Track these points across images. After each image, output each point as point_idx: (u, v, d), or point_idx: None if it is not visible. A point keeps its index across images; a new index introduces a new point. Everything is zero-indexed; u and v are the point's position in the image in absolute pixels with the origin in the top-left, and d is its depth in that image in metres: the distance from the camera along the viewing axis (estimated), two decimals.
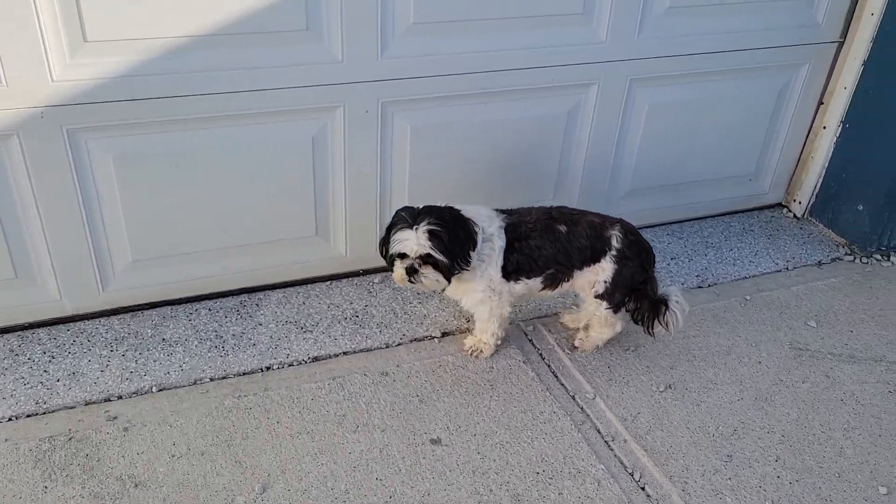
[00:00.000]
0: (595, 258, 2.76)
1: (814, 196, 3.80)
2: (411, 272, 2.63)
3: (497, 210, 2.81)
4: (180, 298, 3.06)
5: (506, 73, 3.03)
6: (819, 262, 3.60)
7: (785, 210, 3.93)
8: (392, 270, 2.68)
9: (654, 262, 2.84)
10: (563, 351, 3.00)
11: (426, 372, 2.84)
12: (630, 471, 2.50)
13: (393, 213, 2.69)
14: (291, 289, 3.20)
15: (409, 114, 3.01)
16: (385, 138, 3.02)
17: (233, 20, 2.57)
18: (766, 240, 3.72)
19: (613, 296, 2.81)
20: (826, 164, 3.71)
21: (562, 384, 2.84)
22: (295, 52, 2.72)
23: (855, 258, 3.63)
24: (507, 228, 2.73)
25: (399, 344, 2.97)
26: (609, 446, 2.59)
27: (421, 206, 2.66)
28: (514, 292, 2.82)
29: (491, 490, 2.38)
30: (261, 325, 3.00)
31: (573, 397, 2.79)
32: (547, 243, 2.73)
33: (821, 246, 3.70)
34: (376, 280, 3.28)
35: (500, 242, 2.71)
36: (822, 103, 3.66)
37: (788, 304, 3.31)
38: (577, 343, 3.00)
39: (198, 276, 3.04)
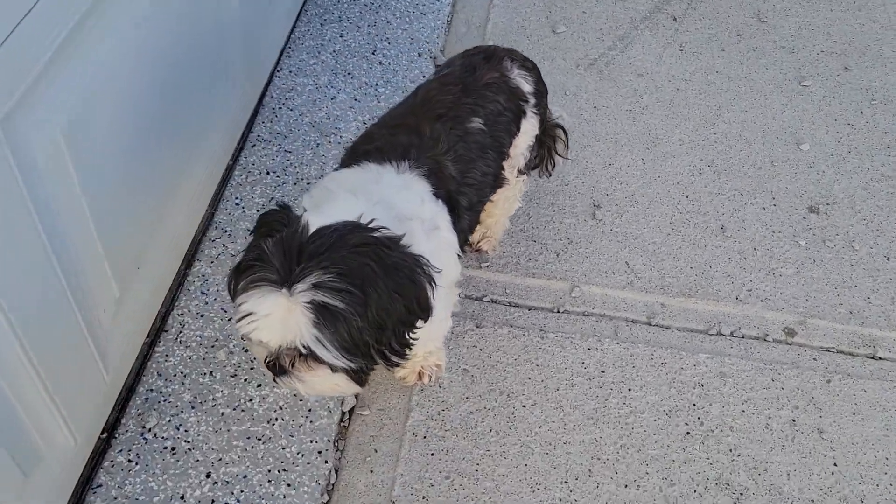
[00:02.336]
0: (518, 127, 1.68)
1: None
2: (276, 371, 1.28)
3: (385, 163, 1.44)
4: None
5: None
6: None
7: None
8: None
9: None
10: (480, 268, 1.98)
11: (431, 471, 1.62)
12: (716, 329, 1.91)
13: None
14: None
15: (50, 108, 1.19)
16: (34, 184, 1.20)
17: None
18: None
19: (533, 157, 1.82)
20: None
21: (538, 308, 1.91)
22: None
23: None
24: (437, 188, 1.44)
25: (336, 473, 1.60)
26: (666, 327, 1.90)
27: (308, 227, 1.23)
28: None
29: (710, 482, 1.61)
30: None
31: (567, 312, 1.91)
32: (483, 164, 1.55)
33: None
34: (146, 434, 1.61)
35: (445, 219, 1.44)
36: None
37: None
38: (482, 245, 1.99)
39: None
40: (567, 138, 1.95)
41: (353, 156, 1.51)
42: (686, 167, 2.26)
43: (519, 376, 1.77)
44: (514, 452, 1.65)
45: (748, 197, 2.20)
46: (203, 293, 1.83)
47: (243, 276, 1.20)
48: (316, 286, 1.15)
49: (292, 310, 1.15)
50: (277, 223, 1.25)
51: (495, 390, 1.75)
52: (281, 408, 1.66)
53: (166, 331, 1.76)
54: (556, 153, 1.96)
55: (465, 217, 1.51)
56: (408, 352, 1.31)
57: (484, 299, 1.92)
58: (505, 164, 1.67)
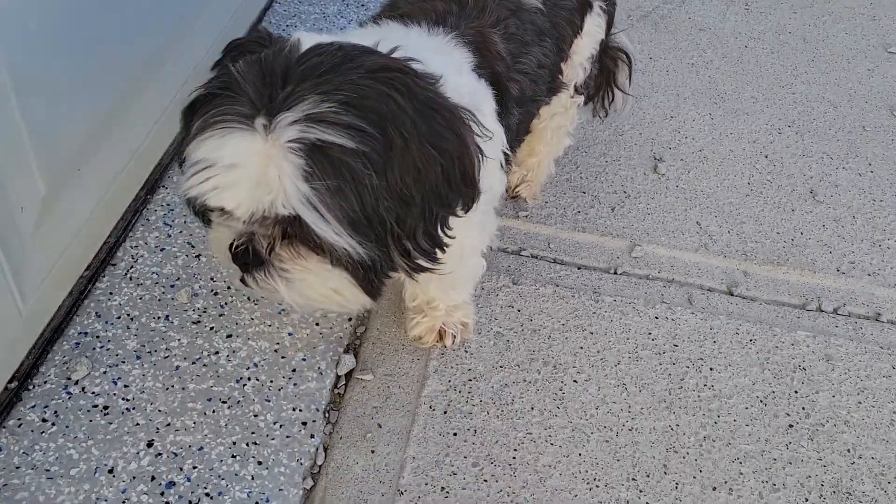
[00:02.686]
0: (581, 23, 1.31)
1: None
2: (250, 261, 0.87)
3: (412, 25, 1.07)
4: None
5: None
6: None
7: None
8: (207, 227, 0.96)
9: None
10: (518, 218, 1.59)
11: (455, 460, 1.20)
12: (814, 304, 1.50)
13: None
14: None
15: None
16: None
17: None
18: None
19: (592, 77, 1.46)
20: None
21: (589, 268, 1.52)
22: None
23: None
24: (480, 66, 1.06)
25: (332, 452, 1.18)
26: (752, 298, 1.50)
27: (299, 44, 0.84)
28: None
29: (825, 488, 1.19)
30: None
31: (626, 274, 1.52)
32: (539, 51, 1.17)
33: None
34: (72, 388, 1.20)
35: (489, 103, 1.06)
36: None
37: None
38: (522, 192, 1.60)
39: None
40: (631, 67, 1.59)
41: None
42: (762, 126, 1.88)
43: (568, 345, 1.36)
44: (563, 438, 1.24)
45: (839, 161, 1.82)
46: (167, 224, 1.44)
47: (200, 114, 0.81)
48: (311, 119, 0.76)
49: (272, 155, 0.76)
50: (254, 44, 0.87)
51: (538, 360, 1.34)
52: (256, 365, 1.25)
53: (114, 264, 1.36)
54: (616, 84, 1.59)
55: (514, 112, 1.12)
56: (439, 255, 0.91)
57: (522, 253, 1.52)
58: (563, 66, 1.29)
